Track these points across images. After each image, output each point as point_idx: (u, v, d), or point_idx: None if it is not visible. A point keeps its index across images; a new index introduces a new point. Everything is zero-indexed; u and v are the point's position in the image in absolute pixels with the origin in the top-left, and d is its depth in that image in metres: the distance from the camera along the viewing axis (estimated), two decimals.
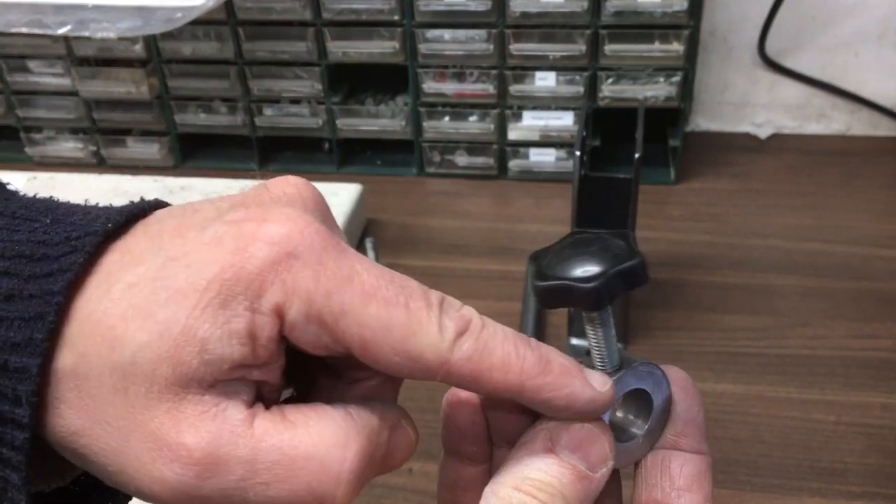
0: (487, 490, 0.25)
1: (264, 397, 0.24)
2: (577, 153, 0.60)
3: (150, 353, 0.22)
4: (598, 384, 0.25)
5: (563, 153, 0.89)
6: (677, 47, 0.81)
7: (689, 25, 0.80)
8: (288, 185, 0.26)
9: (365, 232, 0.81)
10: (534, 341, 0.25)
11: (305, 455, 0.22)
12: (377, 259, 0.73)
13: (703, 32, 0.93)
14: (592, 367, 0.27)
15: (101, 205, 0.26)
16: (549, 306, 0.27)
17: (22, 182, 0.85)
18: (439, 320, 0.23)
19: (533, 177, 0.91)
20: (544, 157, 0.89)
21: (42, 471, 0.25)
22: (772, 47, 0.94)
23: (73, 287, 0.22)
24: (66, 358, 0.22)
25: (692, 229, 0.82)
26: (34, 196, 0.26)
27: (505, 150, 0.89)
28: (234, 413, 0.22)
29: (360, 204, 0.81)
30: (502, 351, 0.24)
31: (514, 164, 0.90)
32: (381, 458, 0.24)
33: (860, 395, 0.61)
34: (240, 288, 0.22)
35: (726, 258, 0.77)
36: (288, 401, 0.26)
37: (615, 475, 0.28)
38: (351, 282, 0.23)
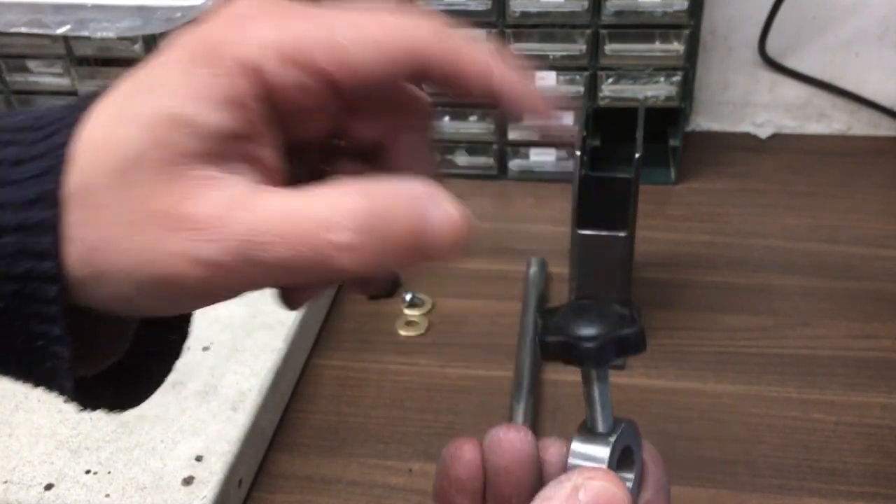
0: None
1: (270, 181, 0.24)
2: (578, 153, 0.60)
3: (143, 144, 0.22)
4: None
5: (562, 153, 0.89)
6: (678, 47, 0.81)
7: (689, 25, 0.80)
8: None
9: None
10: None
11: (309, 214, 0.22)
12: None
13: (703, 32, 0.93)
14: (591, 424, 0.28)
15: None
16: (550, 360, 0.28)
17: None
18: (412, 21, 0.24)
19: (533, 177, 0.91)
20: (544, 157, 0.89)
21: (80, 353, 0.25)
22: (772, 47, 0.94)
23: (71, 137, 0.23)
24: (70, 186, 0.23)
25: (692, 229, 0.82)
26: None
27: (505, 149, 0.89)
28: (236, 184, 0.23)
29: None
30: (470, 47, 0.25)
31: (514, 164, 0.90)
32: (406, 234, 0.23)
33: (860, 395, 0.61)
34: (207, 59, 0.23)
35: (726, 258, 0.77)
36: None
37: None
38: (310, 18, 0.23)
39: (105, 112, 0.23)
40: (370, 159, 0.28)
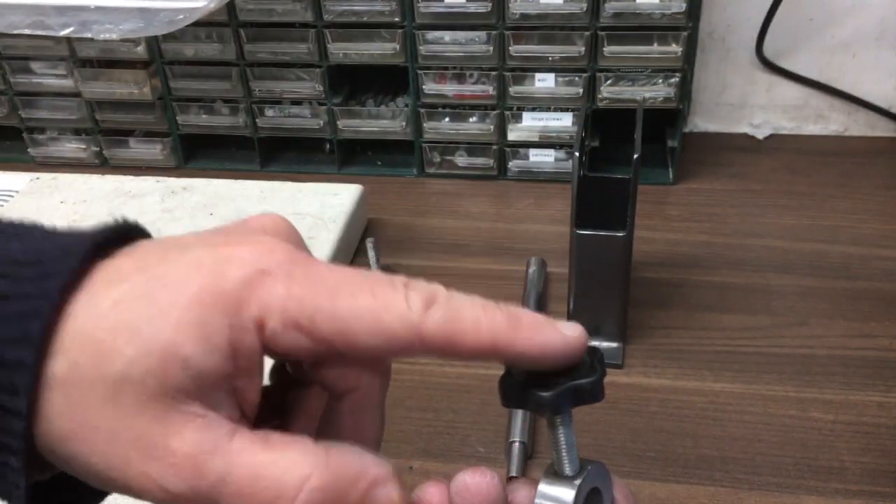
0: None
1: (245, 416, 0.26)
2: (577, 154, 0.60)
3: (138, 367, 0.23)
4: (568, 331, 0.27)
5: (562, 154, 0.89)
6: (676, 48, 0.82)
7: (687, 27, 0.80)
8: (265, 218, 0.28)
9: (365, 232, 0.82)
10: (502, 304, 0.27)
11: (269, 476, 0.24)
12: (378, 259, 0.73)
13: (701, 33, 0.93)
14: (558, 467, 0.29)
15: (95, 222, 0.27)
16: (509, 406, 0.29)
17: (25, 182, 0.85)
18: (406, 295, 0.25)
19: (532, 177, 0.91)
20: (544, 158, 0.90)
21: (35, 463, 0.26)
22: (770, 48, 0.95)
23: (65, 291, 0.24)
24: (57, 365, 0.24)
25: (690, 229, 0.82)
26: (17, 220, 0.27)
27: (505, 150, 0.90)
28: (217, 425, 0.24)
29: (361, 204, 0.81)
30: (472, 314, 0.26)
31: (513, 164, 0.91)
32: (354, 498, 0.25)
33: (857, 394, 0.62)
34: (218, 306, 0.24)
35: (724, 258, 0.77)
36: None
37: None
38: (319, 285, 0.25)
39: (105, 306, 0.24)
40: (332, 396, 0.29)
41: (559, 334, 0.27)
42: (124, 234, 0.26)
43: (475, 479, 0.27)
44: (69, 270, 0.24)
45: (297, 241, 0.28)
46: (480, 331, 0.26)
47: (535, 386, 0.27)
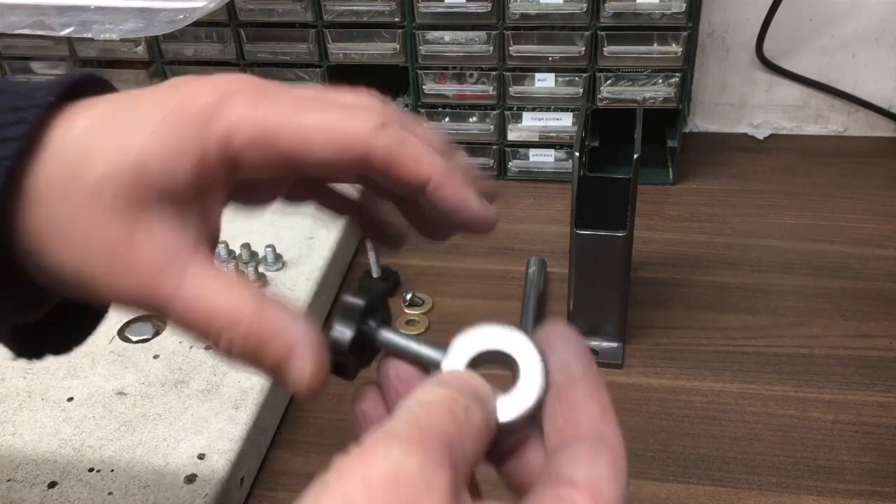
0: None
1: (208, 245, 0.28)
2: (576, 154, 0.60)
3: (114, 175, 0.26)
4: (485, 208, 0.30)
5: (562, 153, 0.89)
6: (676, 48, 0.82)
7: (687, 27, 0.81)
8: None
9: None
10: (448, 150, 0.30)
11: (208, 300, 0.26)
12: (378, 258, 0.73)
13: (701, 34, 0.93)
14: (430, 363, 0.29)
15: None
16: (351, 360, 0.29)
17: None
18: (364, 114, 0.28)
19: (533, 177, 0.91)
20: (544, 158, 0.90)
21: (17, 302, 0.29)
22: (770, 49, 0.95)
23: (24, 151, 0.26)
24: (35, 177, 0.26)
25: (690, 229, 0.82)
26: None
27: (505, 150, 0.90)
28: (180, 240, 0.27)
29: None
30: (416, 149, 0.28)
31: (513, 164, 0.91)
32: (271, 357, 0.26)
33: (857, 393, 0.62)
34: (187, 123, 0.26)
35: (724, 258, 0.78)
36: None
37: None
38: (282, 103, 0.27)
39: (84, 124, 0.26)
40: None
41: (480, 203, 0.29)
42: (92, 83, 0.29)
43: (397, 366, 0.29)
44: (23, 136, 0.26)
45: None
46: (420, 165, 0.28)
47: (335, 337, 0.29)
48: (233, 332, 0.26)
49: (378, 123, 0.28)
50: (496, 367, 0.28)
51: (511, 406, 0.26)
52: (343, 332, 0.28)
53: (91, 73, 0.29)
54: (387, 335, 0.29)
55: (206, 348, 0.52)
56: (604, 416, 0.26)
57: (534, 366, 0.27)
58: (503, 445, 0.26)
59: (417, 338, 0.29)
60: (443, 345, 0.28)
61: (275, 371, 0.27)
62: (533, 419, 0.26)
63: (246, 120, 0.27)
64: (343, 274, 0.76)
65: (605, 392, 0.26)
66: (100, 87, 0.29)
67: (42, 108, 0.26)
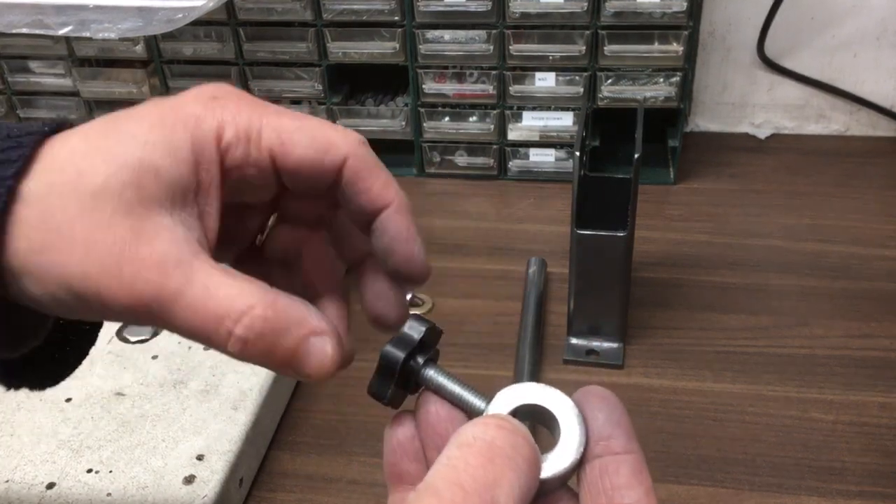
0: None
1: (208, 244, 0.28)
2: (577, 153, 0.60)
3: (115, 179, 0.26)
4: (423, 255, 0.32)
5: (562, 153, 0.89)
6: (676, 48, 0.82)
7: (688, 26, 0.80)
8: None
9: None
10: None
11: (220, 296, 0.26)
12: None
13: (702, 33, 0.93)
14: (469, 410, 0.29)
15: None
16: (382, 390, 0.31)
17: None
18: (343, 130, 0.30)
19: (533, 177, 0.91)
20: (544, 158, 0.90)
21: (5, 339, 0.29)
22: (771, 48, 0.94)
23: (20, 175, 0.26)
24: (33, 185, 0.26)
25: (691, 229, 0.82)
26: None
27: (505, 150, 0.90)
28: (184, 240, 0.27)
29: None
30: (387, 173, 0.31)
31: (513, 164, 0.90)
32: (287, 348, 0.27)
33: (858, 394, 0.62)
34: (180, 124, 0.27)
35: (725, 258, 0.77)
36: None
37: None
38: (266, 108, 0.29)
39: (77, 141, 0.27)
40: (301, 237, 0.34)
41: (421, 249, 0.31)
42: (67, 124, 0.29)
43: (436, 406, 0.30)
44: (23, 157, 0.26)
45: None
46: (388, 188, 0.30)
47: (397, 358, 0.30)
48: (246, 326, 0.26)
49: (358, 140, 0.30)
50: (536, 422, 0.28)
51: (549, 463, 0.26)
52: (395, 352, 0.29)
53: (74, 121, 0.30)
54: (432, 374, 0.30)
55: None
56: (647, 498, 0.26)
57: (573, 426, 0.27)
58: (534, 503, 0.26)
59: (461, 382, 0.30)
60: (486, 393, 0.29)
61: (287, 361, 0.27)
62: (566, 481, 0.27)
63: (232, 116, 0.28)
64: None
65: (646, 471, 0.27)
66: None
67: (39, 135, 0.27)
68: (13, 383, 0.31)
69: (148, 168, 0.26)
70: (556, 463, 0.26)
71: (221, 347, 0.26)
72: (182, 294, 0.26)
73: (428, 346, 0.30)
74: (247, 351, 0.26)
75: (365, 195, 0.30)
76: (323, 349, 0.27)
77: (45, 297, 0.27)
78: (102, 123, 0.28)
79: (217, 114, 0.28)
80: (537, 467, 0.26)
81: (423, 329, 0.30)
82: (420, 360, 0.30)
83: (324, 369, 0.27)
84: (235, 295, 0.26)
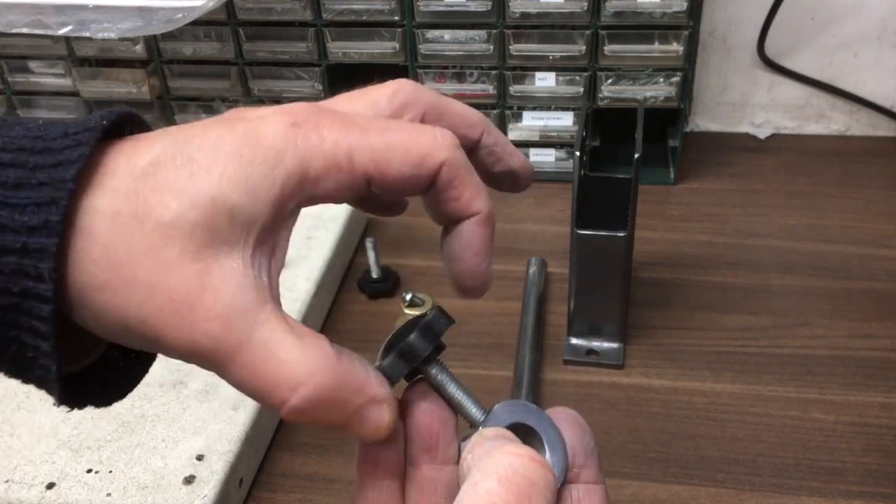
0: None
1: (273, 284, 0.27)
2: (577, 153, 0.60)
3: (186, 218, 0.24)
4: (487, 270, 0.30)
5: (562, 153, 0.89)
6: (677, 48, 0.82)
7: (688, 26, 0.80)
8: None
9: (365, 232, 0.82)
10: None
11: (281, 359, 0.25)
12: (377, 259, 0.73)
13: (702, 33, 0.93)
14: (468, 420, 0.29)
15: None
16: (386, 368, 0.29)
17: None
18: (433, 131, 0.28)
19: (533, 177, 0.91)
20: (544, 157, 0.90)
21: (68, 352, 0.26)
22: (771, 48, 0.94)
23: (82, 176, 0.24)
24: (97, 217, 0.24)
25: (691, 229, 0.82)
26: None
27: None
28: (252, 287, 0.25)
29: None
30: (479, 181, 0.29)
31: None
32: (343, 414, 0.26)
33: (859, 394, 0.62)
34: (259, 159, 0.25)
35: (725, 258, 0.77)
36: None
37: None
38: (349, 127, 0.26)
39: (146, 165, 0.25)
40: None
41: (487, 265, 0.30)
42: (134, 119, 0.27)
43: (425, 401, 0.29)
44: (83, 156, 0.24)
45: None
46: (477, 198, 0.29)
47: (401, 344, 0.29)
48: (304, 396, 0.25)
49: (453, 144, 0.28)
50: (524, 441, 0.28)
51: None
52: (422, 343, 0.29)
53: (130, 110, 0.27)
54: (437, 371, 0.29)
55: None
56: None
57: (559, 453, 0.28)
58: None
59: (463, 386, 0.30)
60: (481, 403, 0.29)
61: (342, 425, 0.26)
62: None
63: (318, 148, 0.26)
64: (342, 274, 0.76)
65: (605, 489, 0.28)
66: (140, 124, 0.28)
67: (97, 131, 0.25)
68: (78, 401, 0.28)
69: (222, 208, 0.24)
70: None
71: (275, 410, 0.25)
72: (242, 350, 0.24)
73: (439, 349, 0.30)
74: (301, 417, 0.25)
75: (454, 202, 0.28)
76: (380, 416, 0.26)
77: (102, 331, 0.26)
78: (173, 146, 0.25)
79: (300, 145, 0.26)
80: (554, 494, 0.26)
81: (448, 324, 0.29)
82: (432, 352, 0.29)
83: (379, 435, 0.27)
84: (296, 361, 0.25)
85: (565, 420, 0.29)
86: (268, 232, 0.26)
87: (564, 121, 0.87)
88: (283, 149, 0.25)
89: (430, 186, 0.28)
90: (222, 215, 0.24)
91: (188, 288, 0.24)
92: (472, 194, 0.29)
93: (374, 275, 0.73)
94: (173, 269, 0.24)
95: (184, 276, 0.24)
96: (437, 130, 0.28)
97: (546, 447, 0.28)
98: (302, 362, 0.25)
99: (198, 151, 0.25)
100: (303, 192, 0.26)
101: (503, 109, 0.87)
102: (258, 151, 0.25)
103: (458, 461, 0.29)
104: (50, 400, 0.27)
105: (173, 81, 0.90)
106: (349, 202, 0.30)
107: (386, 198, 0.29)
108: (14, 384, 0.53)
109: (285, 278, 0.69)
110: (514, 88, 0.85)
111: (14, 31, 0.71)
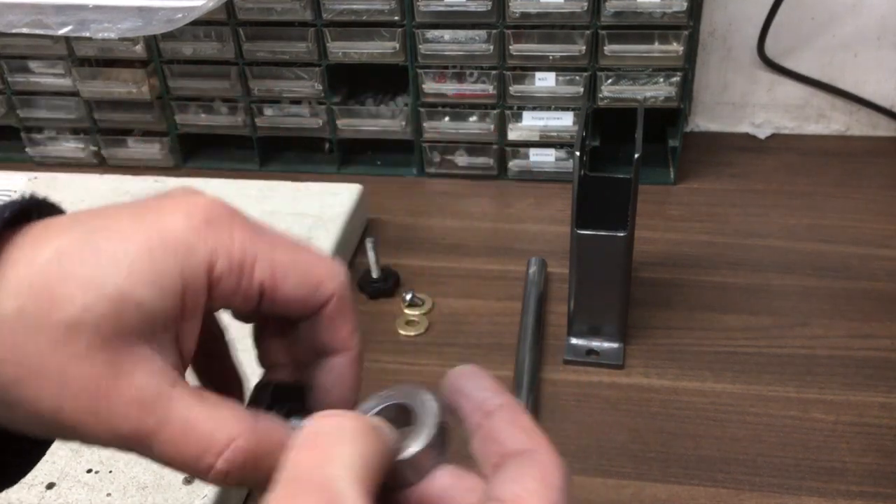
0: None
1: (183, 366, 0.28)
2: (577, 153, 0.60)
3: (92, 312, 0.24)
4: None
5: (562, 153, 0.89)
6: (677, 48, 0.82)
7: (688, 26, 0.80)
8: (187, 188, 0.29)
9: (365, 232, 0.82)
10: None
11: (200, 430, 0.25)
12: (377, 259, 0.73)
13: (702, 33, 0.93)
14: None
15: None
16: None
17: (23, 182, 0.85)
18: (333, 262, 0.29)
19: (533, 177, 0.91)
20: (544, 158, 0.90)
21: None
22: (771, 48, 0.94)
23: None
24: (2, 311, 0.24)
25: (691, 229, 0.82)
26: None
27: (505, 150, 0.90)
28: (162, 371, 0.26)
29: (361, 204, 0.81)
30: (355, 318, 0.30)
31: (513, 164, 0.90)
32: (267, 473, 0.26)
33: (859, 394, 0.62)
34: (169, 252, 0.26)
35: (725, 258, 0.77)
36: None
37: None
38: (259, 236, 0.28)
39: (52, 254, 0.25)
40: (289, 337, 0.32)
41: (355, 402, 0.31)
42: (37, 207, 0.27)
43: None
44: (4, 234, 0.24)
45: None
46: (353, 335, 0.30)
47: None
48: (228, 459, 0.25)
49: (344, 280, 0.29)
50: (405, 424, 0.29)
51: (410, 443, 0.27)
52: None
53: (35, 195, 0.27)
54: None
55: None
56: (528, 436, 0.27)
57: (427, 406, 0.29)
58: (414, 480, 0.27)
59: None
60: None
61: (270, 484, 0.26)
62: (439, 454, 0.28)
63: (225, 247, 0.27)
64: None
65: (524, 414, 0.28)
66: (50, 210, 0.28)
67: (1, 224, 0.25)
68: None
69: (128, 300, 0.25)
70: (415, 442, 0.28)
71: (202, 478, 0.26)
72: (161, 430, 0.25)
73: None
74: (228, 480, 0.26)
75: (331, 335, 0.30)
76: None
77: (18, 425, 0.26)
78: (80, 236, 0.25)
79: (210, 242, 0.26)
80: (381, 440, 0.26)
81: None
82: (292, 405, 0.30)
83: None
84: (215, 429, 0.26)
85: (457, 377, 0.29)
86: (174, 321, 0.26)
87: (564, 121, 0.87)
88: (194, 244, 0.26)
89: (312, 314, 0.29)
90: (129, 308, 0.25)
91: (101, 375, 0.25)
92: (350, 331, 0.30)
93: (375, 275, 0.73)
94: (83, 361, 0.24)
95: (94, 367, 0.24)
96: (334, 261, 0.29)
97: (415, 409, 0.29)
98: (221, 428, 0.26)
99: (106, 243, 0.25)
100: (207, 287, 0.27)
101: (503, 109, 0.87)
102: (169, 245, 0.26)
103: None
104: None
105: (173, 81, 0.90)
106: (235, 313, 0.31)
107: (274, 312, 0.29)
108: None
109: None
110: (514, 88, 0.85)
111: (14, 31, 0.71)
